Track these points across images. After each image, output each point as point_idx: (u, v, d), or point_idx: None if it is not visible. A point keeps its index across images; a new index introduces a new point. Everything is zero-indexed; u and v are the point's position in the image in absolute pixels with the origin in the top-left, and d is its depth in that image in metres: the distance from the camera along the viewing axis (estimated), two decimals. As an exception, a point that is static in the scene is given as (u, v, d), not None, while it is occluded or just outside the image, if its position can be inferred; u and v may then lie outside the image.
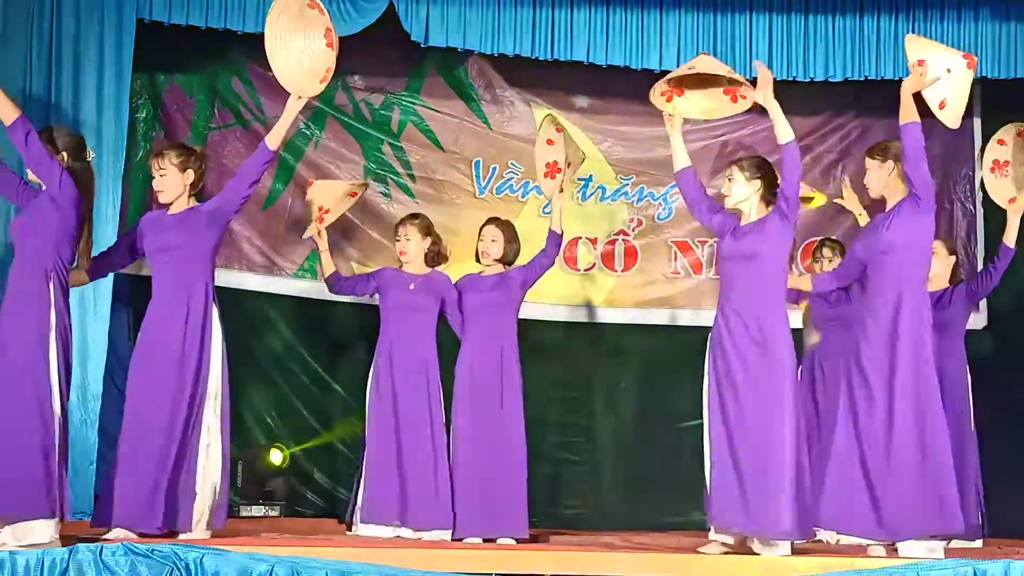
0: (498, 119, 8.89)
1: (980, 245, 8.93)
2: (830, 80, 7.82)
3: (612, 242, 8.88)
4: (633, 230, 8.95)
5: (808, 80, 7.83)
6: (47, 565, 5.05)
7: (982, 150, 8.86)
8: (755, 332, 5.84)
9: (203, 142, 8.14)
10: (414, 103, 8.80)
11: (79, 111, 7.28)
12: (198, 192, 6.16)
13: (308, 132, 8.61)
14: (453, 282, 7.08)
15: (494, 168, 8.81)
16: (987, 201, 8.85)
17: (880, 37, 7.75)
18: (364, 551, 5.69)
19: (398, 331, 6.93)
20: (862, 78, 7.82)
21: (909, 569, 5.39)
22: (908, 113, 5.93)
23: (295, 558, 5.18)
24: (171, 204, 6.13)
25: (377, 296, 7.10)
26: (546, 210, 8.79)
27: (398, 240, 7.09)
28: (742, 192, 6.05)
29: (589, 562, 5.73)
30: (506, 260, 7.04)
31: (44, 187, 5.71)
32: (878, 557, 5.80)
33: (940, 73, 5.92)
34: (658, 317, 8.88)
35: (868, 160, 6.23)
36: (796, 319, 7.84)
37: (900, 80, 7.69)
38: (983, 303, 8.84)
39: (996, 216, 8.82)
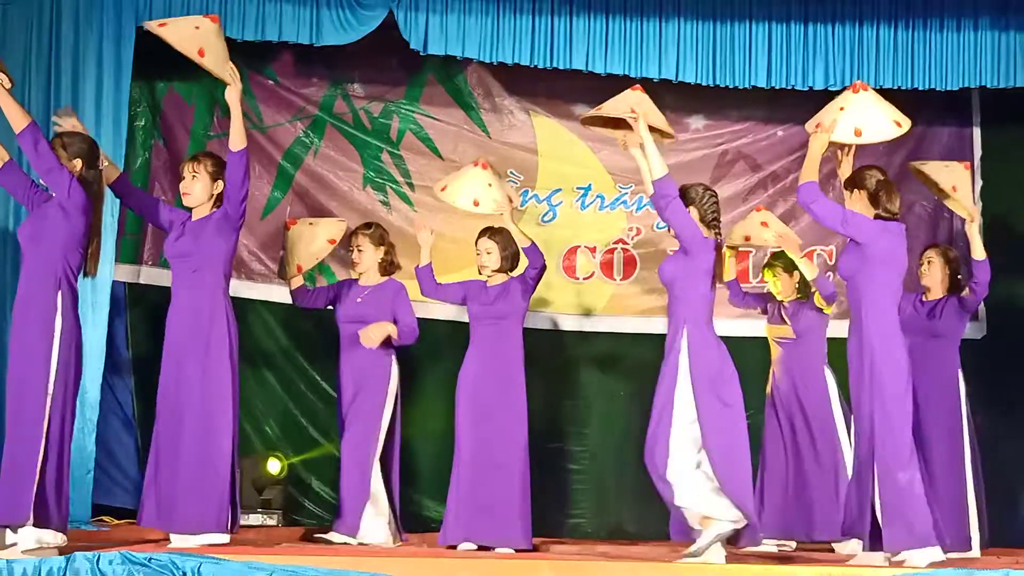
0: (497, 128, 8.89)
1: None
2: (830, 89, 7.81)
3: (611, 251, 8.87)
4: (632, 239, 8.94)
5: (807, 89, 7.82)
6: (44, 573, 5.04)
7: (982, 159, 8.90)
8: None
9: (202, 148, 8.13)
10: (413, 111, 8.80)
11: (79, 118, 7.26)
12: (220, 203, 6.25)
13: (307, 140, 8.61)
14: (457, 286, 7.13)
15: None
16: (986, 209, 8.87)
17: (880, 46, 7.75)
18: (362, 560, 5.67)
19: (349, 343, 6.99)
20: (861, 87, 7.81)
21: (910, 580, 5.40)
22: (805, 173, 6.12)
23: (293, 567, 5.17)
24: (194, 209, 6.23)
25: None
26: (545, 219, 8.81)
27: (351, 251, 7.11)
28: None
29: (589, 571, 5.72)
30: (505, 268, 7.04)
31: (53, 194, 5.74)
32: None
33: (834, 115, 6.16)
34: (658, 326, 8.85)
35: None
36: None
37: (900, 89, 7.77)
38: (982, 313, 8.84)
39: (996, 224, 8.84)
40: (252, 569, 5.12)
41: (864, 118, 6.15)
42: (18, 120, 5.69)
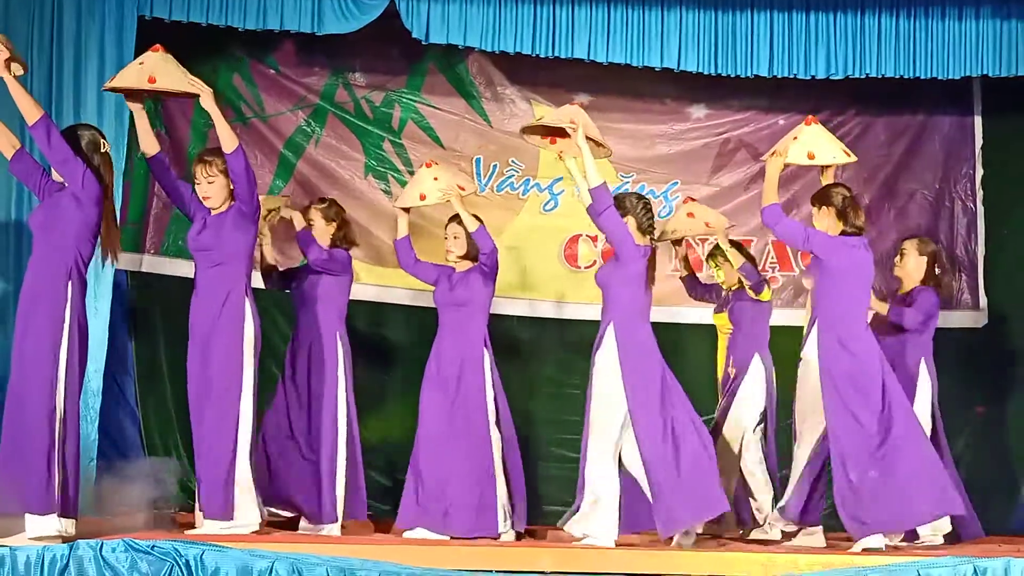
0: (499, 117, 8.89)
1: (981, 243, 8.92)
2: (831, 77, 7.81)
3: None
4: (634, 228, 8.94)
5: (809, 77, 7.82)
6: (47, 561, 5.06)
7: (983, 148, 8.90)
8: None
9: (203, 139, 8.14)
10: (415, 100, 8.80)
11: (80, 109, 7.27)
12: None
13: (309, 129, 8.61)
14: (431, 267, 7.07)
15: (495, 166, 8.81)
16: (987, 199, 8.88)
17: (881, 34, 7.73)
18: (364, 548, 5.70)
19: (302, 320, 7.04)
20: (863, 75, 7.80)
21: (910, 567, 5.42)
22: (766, 196, 6.64)
23: (295, 555, 5.19)
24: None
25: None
26: (547, 208, 8.81)
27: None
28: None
29: (588, 559, 5.74)
30: (471, 255, 6.96)
31: (67, 184, 5.76)
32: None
33: (788, 143, 6.75)
34: (659, 315, 8.86)
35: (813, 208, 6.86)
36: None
37: (902, 78, 7.76)
38: (983, 301, 8.85)
39: (997, 214, 8.85)
40: (254, 557, 5.14)
41: (816, 144, 6.72)
42: (31, 112, 5.72)
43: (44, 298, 5.67)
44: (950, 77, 7.80)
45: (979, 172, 8.93)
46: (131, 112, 7.41)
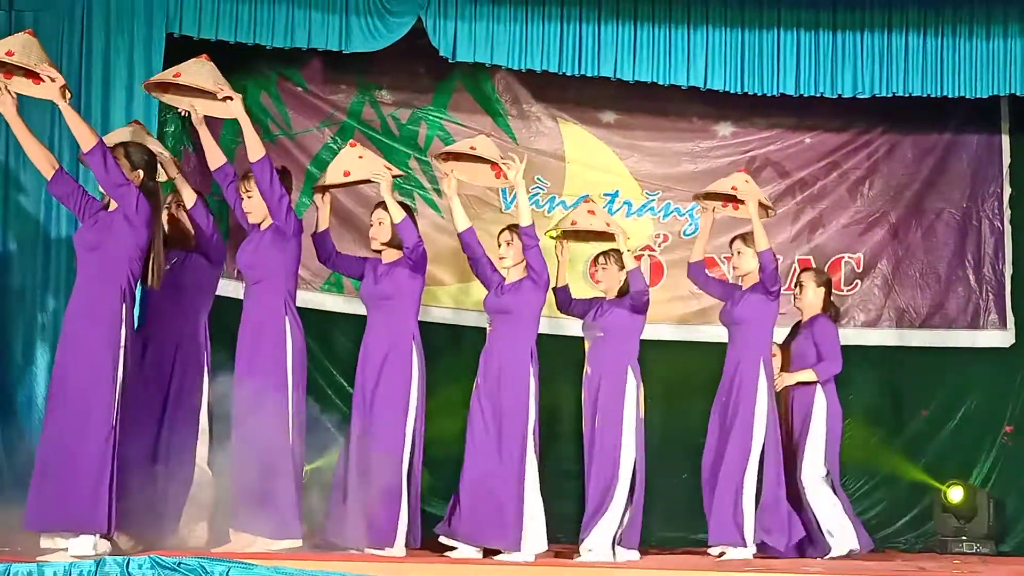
0: (524, 134, 8.90)
1: (1008, 262, 8.88)
2: (858, 96, 7.79)
3: (638, 257, 8.83)
4: (659, 245, 8.95)
5: (836, 96, 7.80)
6: (74, 577, 5.07)
7: (1011, 167, 8.87)
8: None
9: (231, 156, 8.14)
10: (441, 118, 8.81)
11: (108, 126, 7.29)
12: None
13: (335, 146, 8.63)
14: (355, 259, 6.88)
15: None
16: (1015, 218, 8.84)
17: (909, 53, 7.71)
18: (388, 566, 5.69)
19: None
20: (890, 95, 7.78)
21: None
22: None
23: (321, 572, 5.18)
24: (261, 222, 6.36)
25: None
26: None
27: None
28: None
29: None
30: (397, 244, 6.65)
31: (118, 206, 5.82)
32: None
33: (726, 189, 7.33)
34: (685, 333, 8.87)
35: (742, 243, 7.33)
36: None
37: (929, 96, 7.72)
38: (1010, 321, 8.81)
39: (1025, 234, 8.82)
40: (280, 574, 5.13)
41: (745, 186, 7.27)
42: (87, 138, 5.79)
43: (98, 319, 5.70)
44: (978, 96, 7.77)
45: (1007, 191, 8.89)
46: (159, 127, 7.53)
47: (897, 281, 8.93)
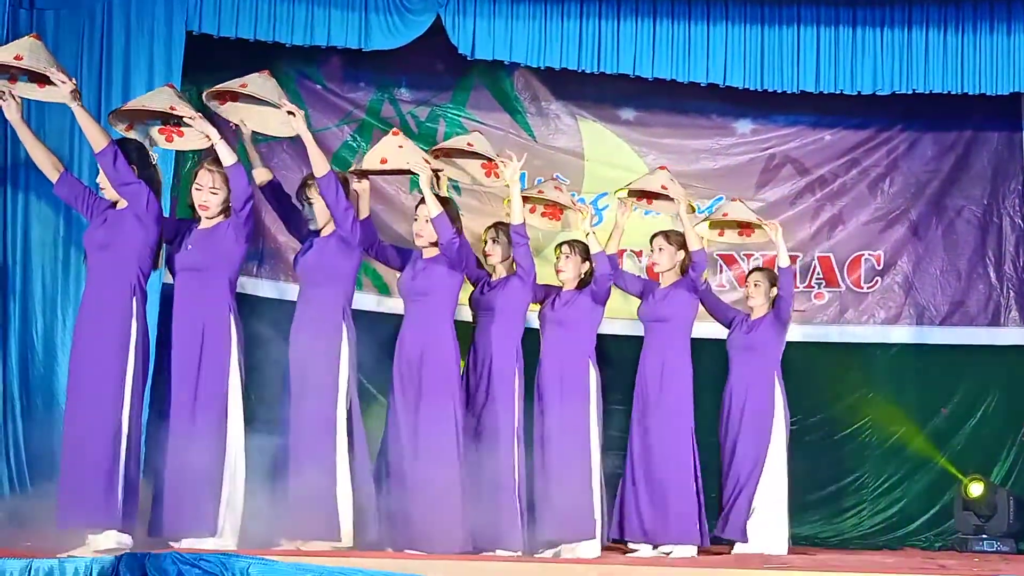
0: (543, 132, 8.90)
1: (1030, 258, 8.88)
2: (878, 93, 7.77)
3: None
4: (677, 243, 8.93)
5: (856, 93, 7.78)
6: (95, 573, 5.07)
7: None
8: None
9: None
10: (460, 115, 8.81)
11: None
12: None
13: (354, 144, 8.64)
14: (397, 250, 6.83)
15: (539, 181, 8.80)
16: (1036, 216, 8.82)
17: (929, 50, 7.70)
18: (410, 562, 5.69)
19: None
20: (910, 91, 7.76)
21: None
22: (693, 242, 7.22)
23: (342, 568, 5.19)
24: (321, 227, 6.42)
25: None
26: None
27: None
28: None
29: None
30: (436, 239, 6.61)
31: (127, 204, 5.87)
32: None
33: (656, 187, 7.33)
34: (703, 330, 8.85)
35: (663, 240, 7.35)
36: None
37: (949, 93, 7.70)
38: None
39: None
40: (301, 571, 5.14)
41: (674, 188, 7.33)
42: (99, 139, 5.85)
43: (109, 315, 5.76)
44: (999, 93, 7.74)
45: (1028, 190, 8.87)
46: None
47: (917, 278, 8.91)
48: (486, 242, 6.94)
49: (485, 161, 6.89)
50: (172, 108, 6.11)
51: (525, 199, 7.05)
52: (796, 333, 8.33)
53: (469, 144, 6.84)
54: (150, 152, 6.07)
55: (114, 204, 5.94)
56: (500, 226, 6.93)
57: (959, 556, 7.82)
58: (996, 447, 8.78)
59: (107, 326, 5.74)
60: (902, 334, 8.88)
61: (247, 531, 5.98)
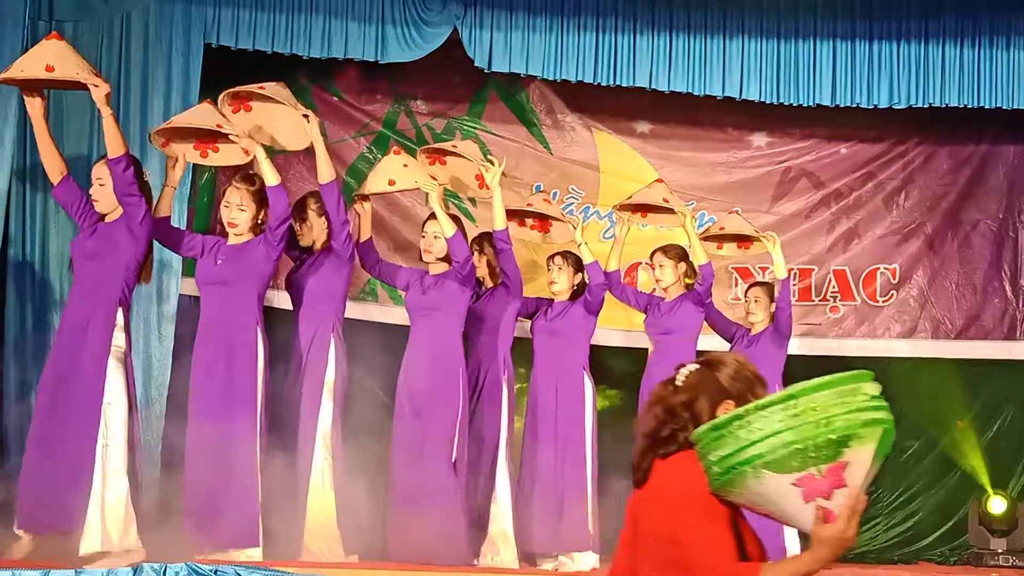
0: (559, 144, 8.90)
1: (1046, 273, 8.86)
2: (894, 107, 7.77)
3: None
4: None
5: (872, 107, 7.78)
6: (113, 584, 5.10)
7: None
8: None
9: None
10: (475, 127, 8.83)
11: (146, 136, 7.34)
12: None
13: (371, 156, 8.66)
14: (400, 269, 6.86)
15: (555, 193, 8.81)
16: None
17: (945, 64, 7.69)
18: (426, 574, 5.69)
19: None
20: (926, 105, 7.76)
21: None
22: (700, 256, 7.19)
23: (357, 581, 5.20)
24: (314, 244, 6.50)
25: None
26: (606, 235, 8.81)
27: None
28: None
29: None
30: (445, 257, 6.67)
31: (122, 215, 5.93)
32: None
33: (658, 200, 7.32)
34: (708, 343, 8.84)
35: (662, 256, 7.31)
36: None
37: (966, 107, 7.69)
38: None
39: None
40: (316, 583, 5.15)
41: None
42: (118, 146, 5.91)
43: (92, 325, 5.80)
44: (1015, 107, 7.74)
45: (1037, 202, 8.85)
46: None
47: (933, 292, 8.89)
48: (472, 253, 6.94)
49: (478, 173, 6.91)
50: (219, 126, 6.16)
51: (513, 213, 7.12)
52: (810, 347, 8.32)
53: (453, 145, 6.89)
54: (144, 170, 6.13)
55: (103, 217, 6.00)
56: (484, 236, 6.98)
57: (975, 571, 7.79)
58: (1012, 462, 8.75)
59: (90, 338, 5.79)
60: (917, 348, 8.86)
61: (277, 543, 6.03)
